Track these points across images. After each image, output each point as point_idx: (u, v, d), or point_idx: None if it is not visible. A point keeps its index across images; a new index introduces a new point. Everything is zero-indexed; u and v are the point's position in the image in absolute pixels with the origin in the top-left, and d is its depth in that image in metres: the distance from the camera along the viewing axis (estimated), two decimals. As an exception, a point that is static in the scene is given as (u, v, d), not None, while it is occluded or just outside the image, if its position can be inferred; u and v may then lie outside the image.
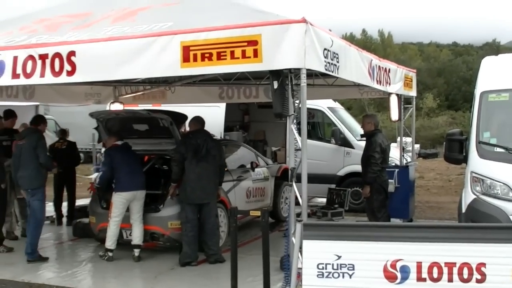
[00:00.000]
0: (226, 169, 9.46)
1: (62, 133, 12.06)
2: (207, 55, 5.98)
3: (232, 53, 5.88)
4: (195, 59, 6.03)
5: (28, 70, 6.78)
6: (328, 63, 6.38)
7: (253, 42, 5.83)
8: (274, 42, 5.83)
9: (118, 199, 8.58)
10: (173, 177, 8.59)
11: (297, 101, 6.32)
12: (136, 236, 8.69)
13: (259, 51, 5.81)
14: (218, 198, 8.87)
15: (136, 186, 8.64)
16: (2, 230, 9.55)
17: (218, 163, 8.67)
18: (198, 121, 8.79)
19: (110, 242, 8.67)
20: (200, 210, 8.50)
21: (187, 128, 9.35)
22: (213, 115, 13.84)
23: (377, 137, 9.17)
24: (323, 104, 13.96)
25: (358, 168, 9.79)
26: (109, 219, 8.67)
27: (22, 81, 6.88)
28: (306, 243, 5.33)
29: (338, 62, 6.62)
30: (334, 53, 6.50)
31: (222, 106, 14.40)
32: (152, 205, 8.96)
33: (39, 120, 9.12)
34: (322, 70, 6.30)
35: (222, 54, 5.92)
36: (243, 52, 5.85)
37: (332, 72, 6.53)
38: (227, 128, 14.94)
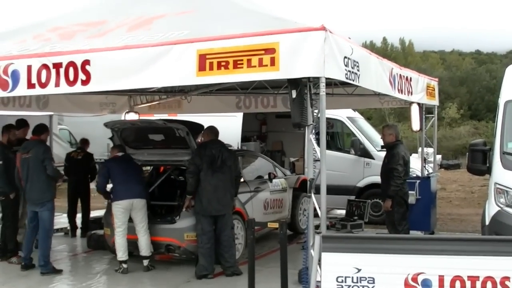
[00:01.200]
0: (242, 180, 9.48)
1: (83, 143, 12.15)
2: (223, 63, 6.00)
3: (248, 61, 5.89)
4: (211, 68, 6.05)
5: (43, 79, 6.83)
6: (349, 71, 6.38)
7: (271, 50, 5.84)
8: (293, 50, 5.84)
9: (117, 209, 8.72)
10: (188, 189, 8.61)
11: (316, 111, 6.32)
12: (143, 247, 8.77)
13: (276, 59, 5.82)
14: (233, 209, 8.87)
15: (132, 195, 8.72)
16: (16, 240, 9.63)
17: (233, 173, 8.68)
18: (212, 131, 8.83)
19: (120, 253, 8.74)
20: (215, 222, 8.51)
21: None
22: (230, 125, 13.89)
23: (399, 149, 9.07)
24: (343, 114, 13.95)
25: (378, 179, 9.73)
26: (114, 231, 8.77)
27: (37, 91, 6.94)
28: (325, 256, 5.31)
29: (358, 70, 6.62)
30: (354, 61, 6.50)
31: (239, 115, 14.44)
32: (168, 217, 9.00)
33: (42, 130, 9.13)
34: (343, 78, 6.29)
35: (238, 62, 5.93)
36: (260, 60, 5.86)
37: (353, 80, 6.52)
38: (244, 138, 14.96)
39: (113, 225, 8.78)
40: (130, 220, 8.77)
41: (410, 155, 9.72)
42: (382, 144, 10.00)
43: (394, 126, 9.80)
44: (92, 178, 11.90)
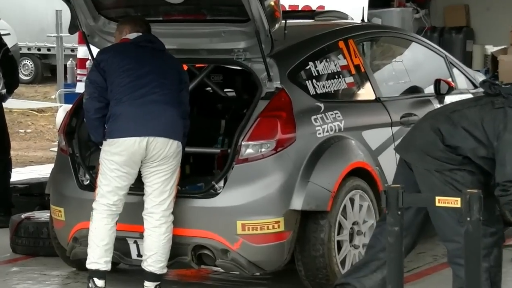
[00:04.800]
0: (372, 97, 9.78)
1: None
2: None
3: None
4: None
5: None
6: None
7: None
8: None
9: (107, 157, 8.92)
10: None
11: None
12: (151, 251, 8.96)
13: None
14: None
15: (151, 128, 8.87)
16: None
17: None
18: None
19: (97, 256, 8.92)
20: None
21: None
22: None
23: None
24: None
25: None
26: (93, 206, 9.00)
27: None
28: None
29: None
30: None
31: None
32: (199, 181, 9.31)
33: None
34: None
35: None
36: None
37: None
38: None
39: (94, 195, 8.98)
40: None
41: None
42: None
43: None
44: (10, 90, 12.34)
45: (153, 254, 8.88)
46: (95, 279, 8.89)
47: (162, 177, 8.86)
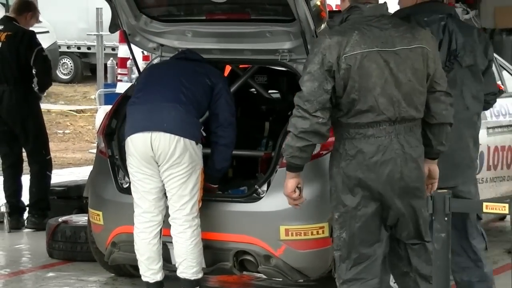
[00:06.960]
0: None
1: (19, 9, 12.56)
2: None
3: None
4: None
5: None
6: None
7: None
8: None
9: (128, 161, 9.02)
10: None
11: None
12: (181, 257, 8.98)
13: None
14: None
15: (155, 123, 8.87)
16: None
17: None
18: None
19: (142, 269, 9.03)
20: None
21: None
22: None
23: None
24: None
25: None
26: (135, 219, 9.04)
27: None
28: None
29: None
30: None
31: None
32: (242, 185, 9.35)
33: None
34: None
35: None
36: None
37: None
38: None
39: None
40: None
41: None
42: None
43: None
44: (42, 88, 12.54)
45: (183, 260, 8.93)
46: None
47: (177, 181, 8.88)
